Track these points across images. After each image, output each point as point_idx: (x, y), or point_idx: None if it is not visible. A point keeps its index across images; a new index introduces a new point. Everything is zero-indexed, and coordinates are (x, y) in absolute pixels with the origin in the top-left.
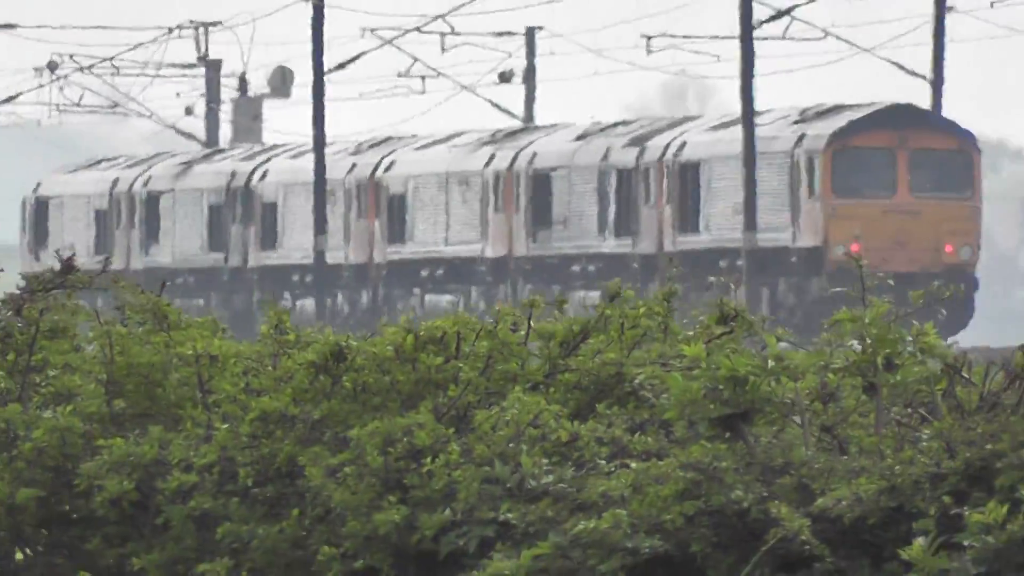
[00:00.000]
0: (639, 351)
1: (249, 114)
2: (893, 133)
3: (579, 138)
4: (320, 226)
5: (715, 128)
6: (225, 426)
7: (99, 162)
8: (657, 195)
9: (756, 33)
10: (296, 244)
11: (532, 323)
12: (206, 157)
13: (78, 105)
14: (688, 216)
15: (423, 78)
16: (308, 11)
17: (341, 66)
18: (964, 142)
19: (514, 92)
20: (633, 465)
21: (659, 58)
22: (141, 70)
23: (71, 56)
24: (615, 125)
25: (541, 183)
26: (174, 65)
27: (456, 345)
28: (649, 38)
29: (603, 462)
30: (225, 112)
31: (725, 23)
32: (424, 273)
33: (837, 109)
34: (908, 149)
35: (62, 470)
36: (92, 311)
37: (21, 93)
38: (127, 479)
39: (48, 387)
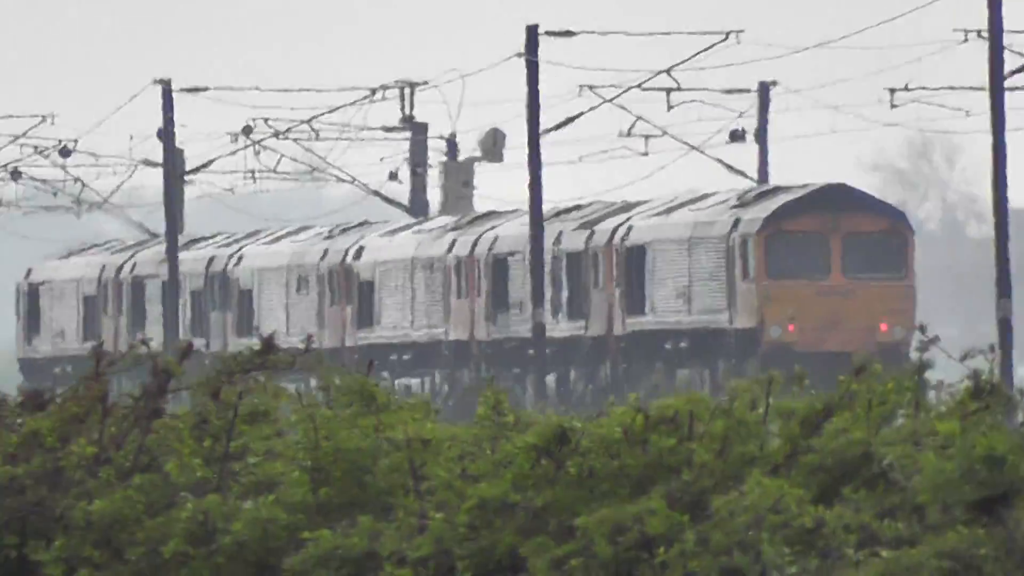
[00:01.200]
0: (887, 429)
1: (459, 179)
2: (826, 216)
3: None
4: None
5: (661, 213)
6: (440, 515)
7: (90, 247)
8: (606, 278)
9: (1007, 83)
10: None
11: (771, 400)
12: (186, 245)
13: (274, 171)
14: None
15: (646, 138)
16: (522, 68)
17: (558, 126)
18: (897, 223)
19: (746, 151)
20: (884, 554)
21: (902, 113)
22: (340, 133)
23: (266, 120)
24: (569, 210)
25: (500, 267)
26: (377, 128)
27: (689, 425)
28: (893, 91)
29: (851, 551)
30: (432, 177)
31: (973, 74)
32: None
33: (774, 191)
34: (841, 231)
35: (264, 565)
36: (294, 393)
37: (214, 160)
38: (335, 574)
39: (248, 475)
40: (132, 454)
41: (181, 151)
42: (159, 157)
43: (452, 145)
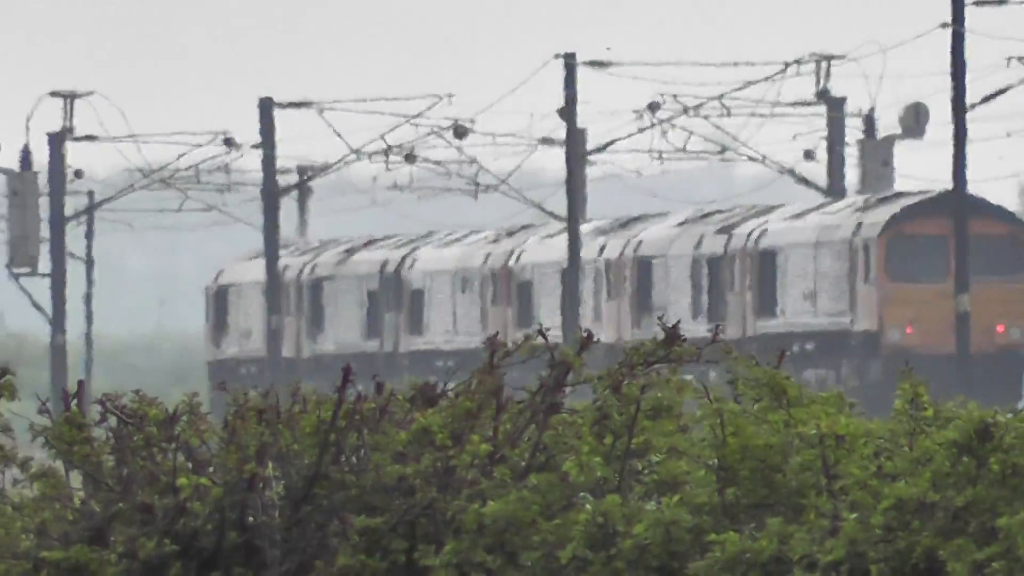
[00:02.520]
0: None
1: (878, 157)
2: (945, 220)
3: (679, 225)
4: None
5: (794, 216)
6: (854, 516)
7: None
8: (741, 282)
9: None
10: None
11: None
12: (366, 245)
13: (682, 151)
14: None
15: None
16: (945, 39)
17: (984, 100)
18: (1014, 227)
19: None
20: None
21: None
22: (752, 110)
23: (674, 96)
24: (710, 214)
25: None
26: (790, 104)
27: None
28: None
29: None
30: (850, 155)
31: None
32: None
33: (896, 196)
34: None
35: (667, 570)
36: (700, 386)
37: (619, 139)
38: None
39: (651, 475)
40: (528, 452)
41: (583, 130)
42: (560, 136)
43: (870, 121)
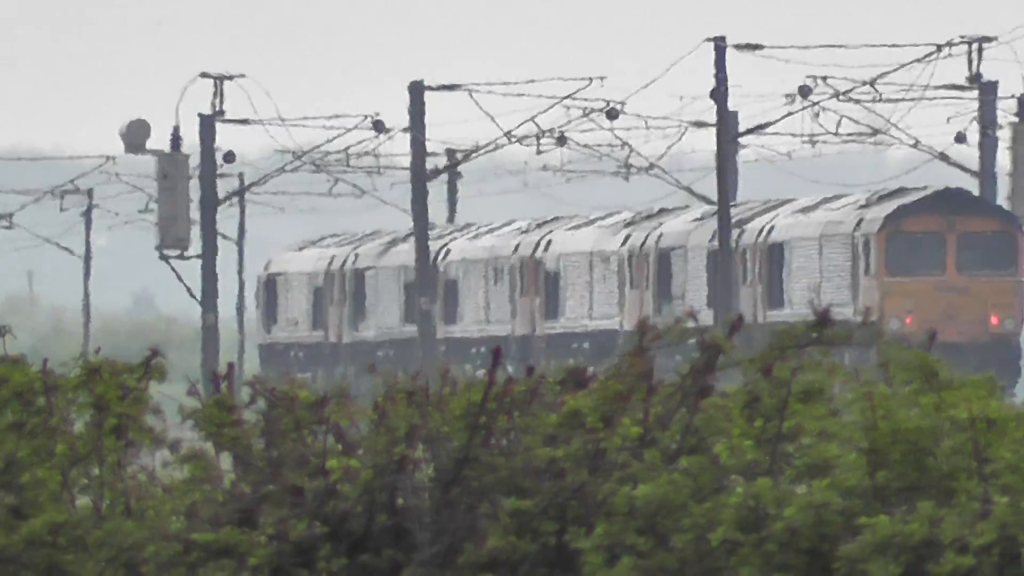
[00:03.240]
0: None
1: None
2: (942, 217)
3: (697, 219)
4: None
5: (800, 211)
6: (1005, 499)
7: (322, 239)
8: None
9: None
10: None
11: None
12: (406, 237)
13: (834, 134)
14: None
15: None
16: None
17: None
18: (1008, 224)
19: None
20: None
21: None
22: (904, 93)
23: (825, 79)
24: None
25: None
26: (942, 87)
27: None
28: None
29: None
30: (1002, 139)
31: None
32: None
33: (896, 193)
34: (956, 231)
35: (817, 552)
36: (851, 370)
37: (770, 122)
38: (893, 562)
39: (802, 458)
40: (678, 435)
41: (734, 113)
42: (710, 119)
43: (1023, 105)
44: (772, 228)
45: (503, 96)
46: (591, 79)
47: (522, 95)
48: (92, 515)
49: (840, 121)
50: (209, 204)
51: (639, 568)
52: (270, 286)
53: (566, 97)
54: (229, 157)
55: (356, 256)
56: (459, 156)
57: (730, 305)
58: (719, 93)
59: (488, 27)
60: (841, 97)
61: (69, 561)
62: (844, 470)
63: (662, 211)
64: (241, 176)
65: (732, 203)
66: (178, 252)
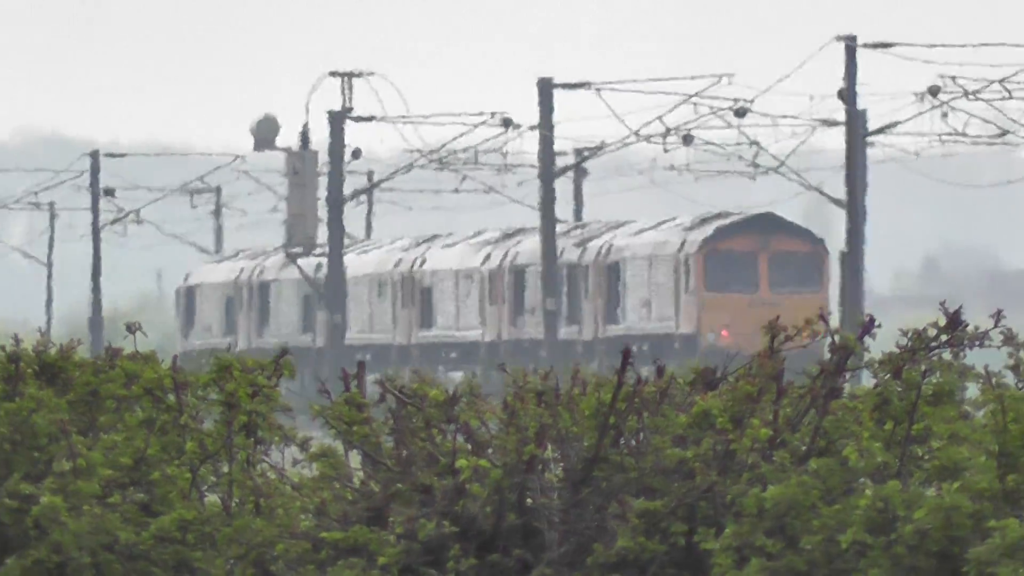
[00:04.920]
0: None
1: None
2: (756, 238)
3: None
4: None
5: (636, 232)
6: None
7: (235, 255)
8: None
9: None
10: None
11: None
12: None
13: (962, 134)
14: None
15: None
16: None
17: None
18: (816, 246)
19: None
20: None
21: None
22: None
23: (954, 78)
24: (575, 227)
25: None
26: None
27: None
28: None
29: None
30: None
31: None
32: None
33: (716, 217)
34: (768, 251)
35: (947, 555)
36: (982, 372)
37: (899, 122)
38: (1022, 565)
39: (932, 460)
40: (808, 437)
41: (863, 111)
42: (839, 117)
43: None
44: (611, 247)
45: (631, 94)
46: (719, 77)
47: (650, 93)
48: (221, 512)
49: (968, 121)
50: (337, 202)
51: (768, 570)
52: (189, 296)
53: (694, 95)
54: (357, 154)
55: (262, 269)
56: (586, 154)
57: (578, 318)
58: (848, 92)
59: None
60: (970, 96)
61: (198, 558)
62: (974, 473)
63: (520, 231)
64: (369, 174)
65: (579, 223)
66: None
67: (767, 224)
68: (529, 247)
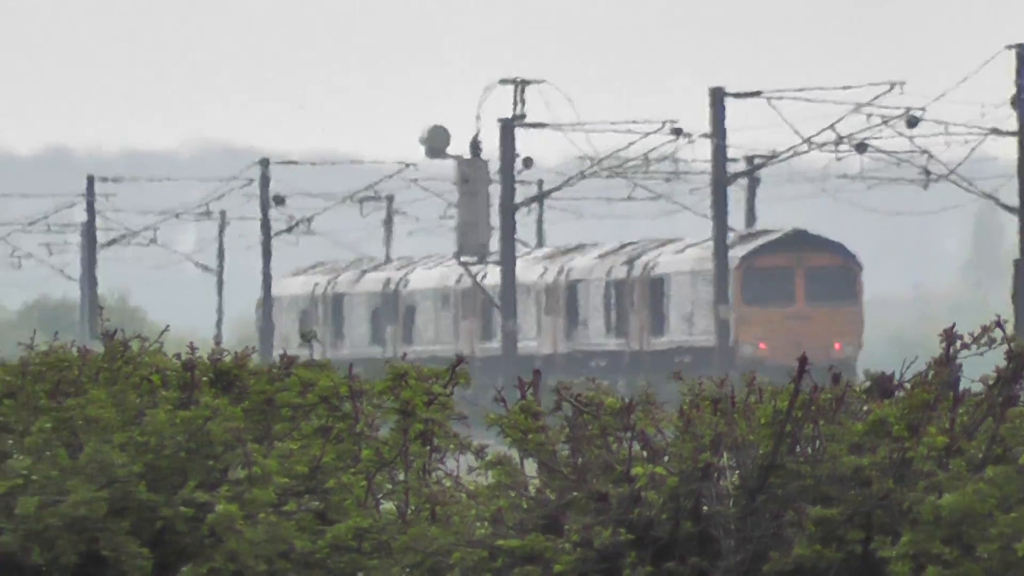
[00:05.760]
0: None
1: None
2: (791, 254)
3: (600, 256)
4: None
5: (682, 250)
6: None
7: (312, 267)
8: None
9: None
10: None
11: None
12: (376, 267)
13: None
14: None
15: None
16: None
17: None
18: (849, 260)
19: None
20: None
21: None
22: None
23: None
24: (623, 246)
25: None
26: None
27: None
28: None
29: None
30: None
31: None
32: None
33: (755, 235)
34: (803, 267)
35: None
36: None
37: None
38: None
39: None
40: (984, 444)
41: None
42: (1011, 126)
43: None
44: (656, 263)
45: (802, 102)
46: (891, 85)
47: (820, 102)
48: (397, 520)
49: None
50: (509, 209)
51: None
52: (267, 307)
53: (865, 104)
54: (528, 163)
55: (336, 283)
56: (758, 162)
57: (625, 330)
58: (1020, 100)
59: (787, 33)
60: None
61: (374, 566)
62: None
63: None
64: (540, 182)
65: (628, 242)
66: (475, 258)
67: (802, 240)
68: (581, 264)
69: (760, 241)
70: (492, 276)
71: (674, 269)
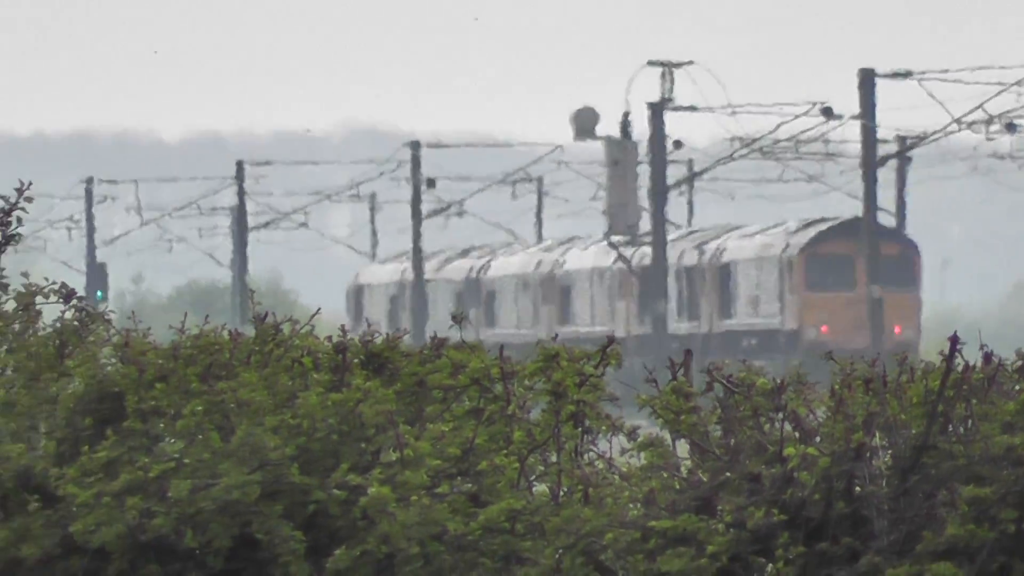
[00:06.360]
0: None
1: None
2: (853, 241)
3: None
4: None
5: (748, 235)
6: None
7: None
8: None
9: None
10: None
11: None
12: (462, 253)
13: None
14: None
15: None
16: None
17: None
18: (908, 248)
19: None
20: None
21: None
22: None
23: None
24: (689, 233)
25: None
26: None
27: None
28: None
29: None
30: None
31: None
32: None
33: (818, 222)
34: (864, 254)
35: None
36: None
37: None
38: None
39: None
40: None
41: None
42: None
43: None
44: (724, 249)
45: (953, 83)
46: None
47: (974, 82)
48: (550, 502)
49: None
50: (659, 191)
51: None
52: (357, 294)
53: (1015, 83)
54: (678, 145)
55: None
56: (908, 143)
57: (695, 314)
58: None
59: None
60: None
61: (527, 548)
62: None
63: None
64: (690, 163)
65: (693, 228)
66: (627, 238)
67: (861, 227)
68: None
69: (823, 227)
70: (642, 257)
71: (740, 256)
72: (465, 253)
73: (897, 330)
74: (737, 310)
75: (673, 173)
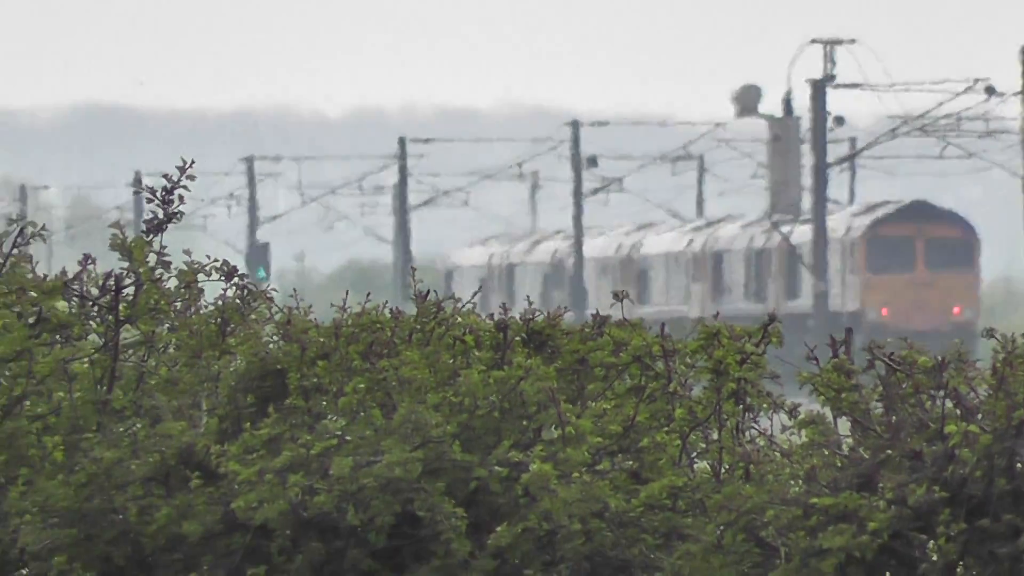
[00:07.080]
0: None
1: None
2: (912, 224)
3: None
4: None
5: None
6: None
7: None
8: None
9: None
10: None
11: None
12: (546, 238)
13: None
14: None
15: None
16: None
17: None
18: (967, 230)
19: None
20: None
21: None
22: None
23: None
24: (763, 218)
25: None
26: None
27: None
28: None
29: None
30: None
31: None
32: None
33: (879, 205)
34: (924, 236)
35: None
36: None
37: None
38: None
39: None
40: None
41: None
42: None
43: None
44: (795, 232)
45: None
46: None
47: None
48: (711, 479)
49: None
50: (820, 169)
51: None
52: (449, 276)
53: None
54: (840, 122)
55: (509, 253)
56: None
57: (765, 294)
58: None
59: None
60: None
61: (688, 524)
62: None
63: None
64: (852, 141)
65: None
66: (790, 216)
67: (923, 211)
68: (726, 233)
69: (884, 211)
70: (801, 235)
71: (806, 239)
72: (550, 237)
73: (956, 311)
74: (802, 292)
75: (836, 150)
